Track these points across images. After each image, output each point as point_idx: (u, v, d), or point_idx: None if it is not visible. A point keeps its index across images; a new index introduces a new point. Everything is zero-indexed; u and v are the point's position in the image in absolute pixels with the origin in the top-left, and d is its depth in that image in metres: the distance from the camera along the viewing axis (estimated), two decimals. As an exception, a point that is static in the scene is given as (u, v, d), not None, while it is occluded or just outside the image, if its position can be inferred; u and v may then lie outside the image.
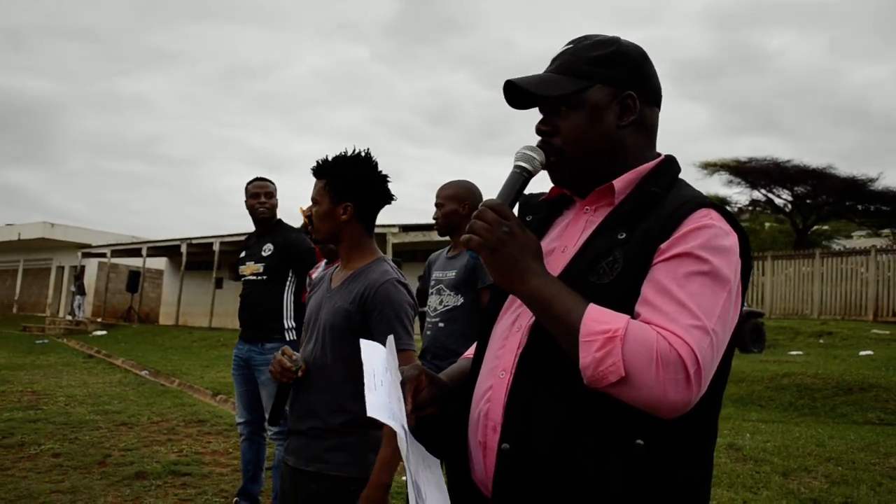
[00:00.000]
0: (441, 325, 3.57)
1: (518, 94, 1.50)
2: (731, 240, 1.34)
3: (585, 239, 1.44)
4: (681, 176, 1.52)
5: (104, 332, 23.61)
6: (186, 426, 7.59)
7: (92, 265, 32.98)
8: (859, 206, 34.82)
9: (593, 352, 1.23)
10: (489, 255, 1.35)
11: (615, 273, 1.33)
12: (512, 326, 1.47)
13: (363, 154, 2.52)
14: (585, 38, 1.52)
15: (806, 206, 34.72)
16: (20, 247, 37.31)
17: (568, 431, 1.32)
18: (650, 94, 1.51)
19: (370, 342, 1.64)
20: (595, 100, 1.45)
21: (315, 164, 2.54)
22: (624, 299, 1.30)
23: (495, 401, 1.41)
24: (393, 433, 2.18)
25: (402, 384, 1.51)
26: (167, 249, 28.24)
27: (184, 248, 25.57)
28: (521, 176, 1.46)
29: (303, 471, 2.44)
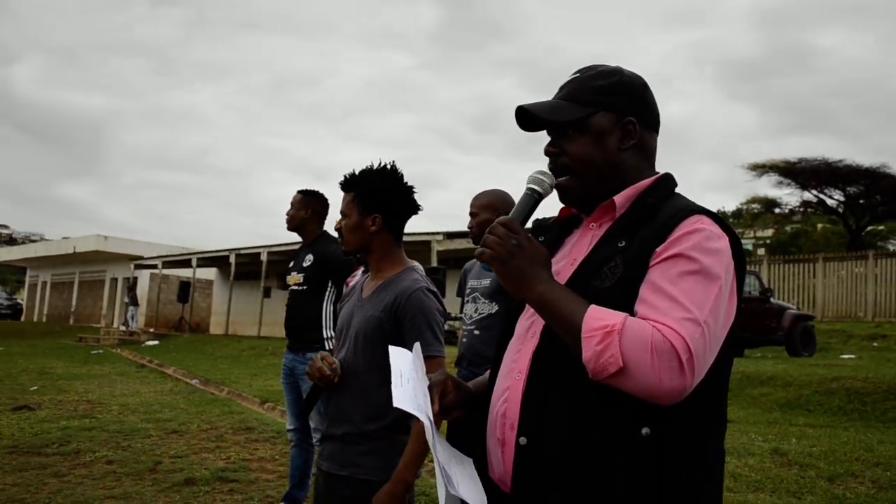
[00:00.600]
0: (476, 332, 3.62)
1: (529, 118, 1.65)
2: (722, 242, 1.46)
3: (590, 250, 1.57)
4: (681, 190, 1.64)
5: (156, 342, 24.13)
6: (234, 433, 7.76)
7: (144, 276, 33.72)
8: (916, 206, 33.93)
9: (594, 346, 1.35)
10: (500, 266, 1.49)
11: (616, 277, 1.46)
12: (527, 332, 1.59)
13: (389, 166, 2.60)
14: (591, 68, 1.67)
15: (859, 207, 33.96)
16: (76, 259, 38.36)
17: (577, 427, 1.43)
18: (649, 119, 1.65)
19: (398, 348, 1.75)
20: (599, 125, 1.60)
21: (343, 177, 2.63)
22: (625, 301, 1.42)
23: (512, 400, 1.53)
24: (419, 433, 2.28)
25: (430, 388, 1.63)
26: (216, 260, 28.76)
27: (232, 259, 26.01)
28: (533, 197, 1.60)
29: (336, 475, 2.50)
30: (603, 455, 1.41)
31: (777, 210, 39.78)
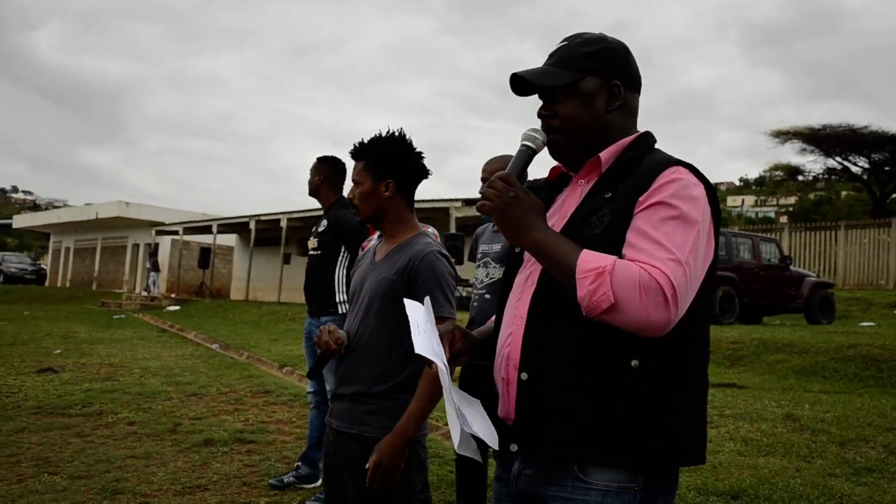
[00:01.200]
0: (487, 296, 3.66)
1: (522, 84, 1.78)
2: (699, 190, 1.61)
3: (579, 203, 1.72)
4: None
5: (177, 308, 24.42)
6: (253, 396, 7.89)
7: (165, 242, 34.01)
8: (941, 172, 33.43)
9: (588, 285, 1.50)
10: (499, 216, 1.64)
11: (604, 225, 1.61)
12: (526, 281, 1.74)
13: (398, 133, 2.65)
14: (577, 35, 1.80)
15: (884, 174, 33.52)
16: (98, 225, 38.72)
17: (572, 361, 1.59)
18: (632, 82, 1.79)
19: (412, 301, 1.87)
20: (587, 88, 1.74)
21: (353, 146, 2.68)
22: (613, 246, 1.57)
23: (514, 343, 1.69)
24: (423, 391, 2.39)
25: (441, 337, 1.77)
26: (237, 226, 28.93)
27: (252, 225, 26.16)
28: (527, 153, 1.76)
29: (345, 433, 2.56)
30: (596, 385, 1.57)
31: (800, 177, 39.38)
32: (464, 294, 14.26)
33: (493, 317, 1.97)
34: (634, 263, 1.50)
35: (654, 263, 1.49)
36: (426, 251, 2.55)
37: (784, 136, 34.11)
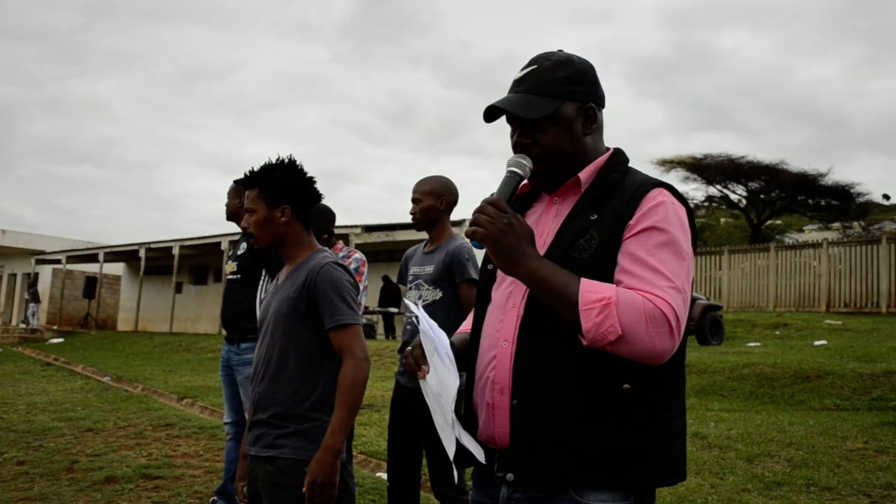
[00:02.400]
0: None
1: (494, 111, 1.75)
2: (682, 211, 1.64)
3: (560, 223, 1.69)
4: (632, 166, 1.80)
5: (61, 340, 23.21)
6: (154, 430, 7.54)
7: (46, 272, 32.33)
8: (810, 201, 35.55)
9: (593, 317, 1.49)
10: (493, 244, 1.58)
11: (593, 248, 1.60)
12: (507, 303, 1.71)
13: (288, 160, 2.70)
14: (545, 58, 1.77)
15: (760, 201, 35.36)
16: (-30, 254, 36.44)
17: (568, 384, 1.57)
18: (601, 100, 1.80)
19: (415, 306, 1.90)
20: (567, 115, 1.73)
21: (244, 175, 2.71)
22: (602, 269, 1.57)
23: (500, 367, 1.65)
24: (343, 402, 2.46)
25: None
26: (125, 254, 27.81)
27: (142, 253, 25.22)
28: (514, 179, 1.71)
29: (262, 457, 2.55)
30: (591, 410, 1.55)
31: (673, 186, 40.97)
32: (363, 321, 14.09)
33: (460, 332, 1.96)
34: (637, 293, 1.50)
35: (656, 293, 1.50)
36: (322, 263, 2.60)
37: (668, 164, 35.51)
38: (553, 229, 1.70)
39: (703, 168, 34.75)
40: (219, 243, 22.42)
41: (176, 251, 23.73)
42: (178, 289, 25.40)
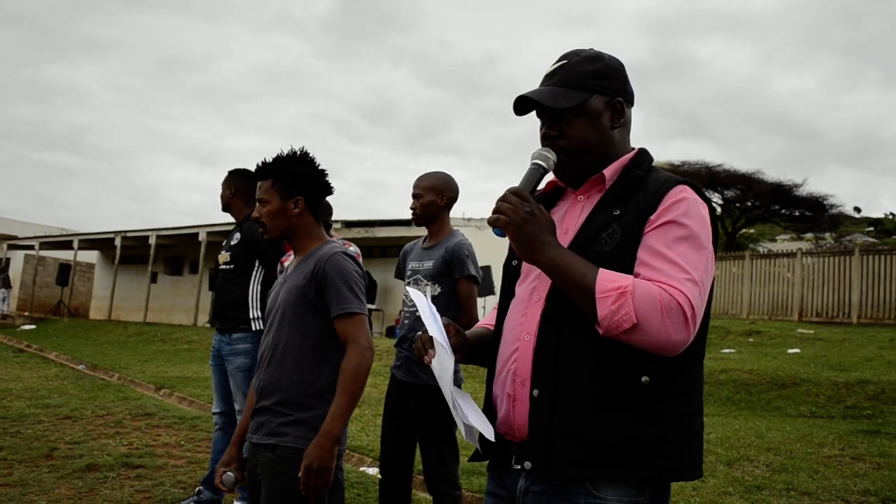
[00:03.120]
0: (419, 314, 3.62)
1: (523, 103, 1.78)
2: (705, 209, 1.66)
3: (585, 218, 1.72)
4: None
5: (33, 326, 22.90)
6: (134, 419, 7.48)
7: (17, 258, 31.88)
8: (784, 211, 36.00)
9: (609, 305, 1.51)
10: (514, 231, 1.61)
11: (615, 242, 1.63)
12: (531, 297, 1.73)
13: (300, 152, 2.73)
14: (575, 53, 1.82)
15: (735, 210, 35.76)
16: (-60, 238, 35.84)
17: (585, 379, 1.59)
18: (630, 97, 1.83)
19: (413, 289, 1.99)
20: (594, 108, 1.76)
21: (259, 165, 2.73)
22: (623, 263, 1.59)
23: (522, 360, 1.68)
24: (344, 388, 2.47)
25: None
26: (100, 242, 27.48)
27: (118, 241, 24.94)
28: (538, 171, 1.74)
29: (263, 444, 2.57)
30: (610, 403, 1.58)
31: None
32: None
33: (480, 325, 1.98)
34: (654, 283, 1.52)
35: (674, 284, 1.52)
36: (331, 252, 2.63)
37: (647, 171, 35.81)
38: (577, 224, 1.73)
39: (680, 175, 34.86)
40: (196, 234, 22.24)
41: (152, 241, 23.50)
42: (154, 279, 25.15)
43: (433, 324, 1.73)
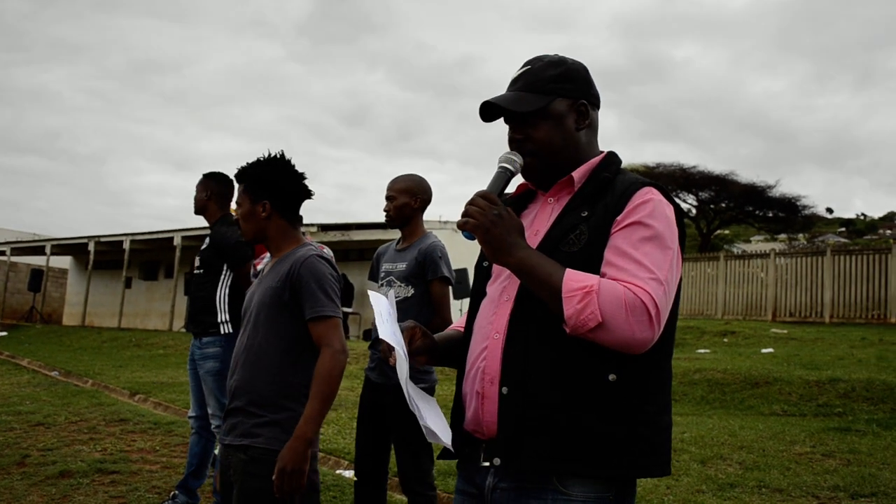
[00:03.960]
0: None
1: (490, 109, 1.82)
2: (670, 210, 1.69)
3: (553, 220, 1.75)
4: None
5: (5, 333, 22.56)
6: (108, 425, 7.41)
7: (-12, 263, 31.46)
8: (758, 212, 36.37)
9: (575, 304, 1.55)
10: (483, 234, 1.65)
11: (582, 243, 1.66)
12: (500, 297, 1.76)
13: (277, 155, 2.75)
14: (538, 59, 1.85)
15: (710, 211, 36.08)
16: None
17: (552, 376, 1.62)
18: (594, 100, 1.87)
19: (375, 293, 1.92)
20: (558, 110, 1.79)
21: (236, 170, 2.79)
22: (591, 263, 1.63)
23: (491, 358, 1.71)
24: (319, 391, 2.49)
25: (402, 331, 1.80)
26: (73, 247, 27.18)
27: (91, 247, 24.67)
28: (505, 175, 1.77)
29: (235, 445, 2.58)
30: (576, 399, 1.60)
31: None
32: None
33: (452, 328, 2.00)
34: (619, 283, 1.56)
35: (638, 283, 1.55)
36: (306, 255, 2.66)
37: (622, 173, 36.04)
38: (547, 226, 1.76)
39: (655, 177, 35.16)
40: (171, 238, 22.07)
41: (126, 245, 23.27)
42: (128, 284, 24.91)
43: (387, 327, 1.74)
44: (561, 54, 1.87)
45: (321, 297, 2.59)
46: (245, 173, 2.75)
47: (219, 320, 4.51)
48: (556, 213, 1.77)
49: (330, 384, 2.52)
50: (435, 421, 1.73)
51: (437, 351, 1.88)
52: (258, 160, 2.74)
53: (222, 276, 4.59)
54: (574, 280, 1.56)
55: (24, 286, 28.97)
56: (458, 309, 14.39)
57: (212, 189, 4.70)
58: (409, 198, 3.68)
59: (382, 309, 1.81)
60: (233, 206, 4.76)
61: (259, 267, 4.43)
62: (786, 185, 42.91)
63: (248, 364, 2.62)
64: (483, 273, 1.88)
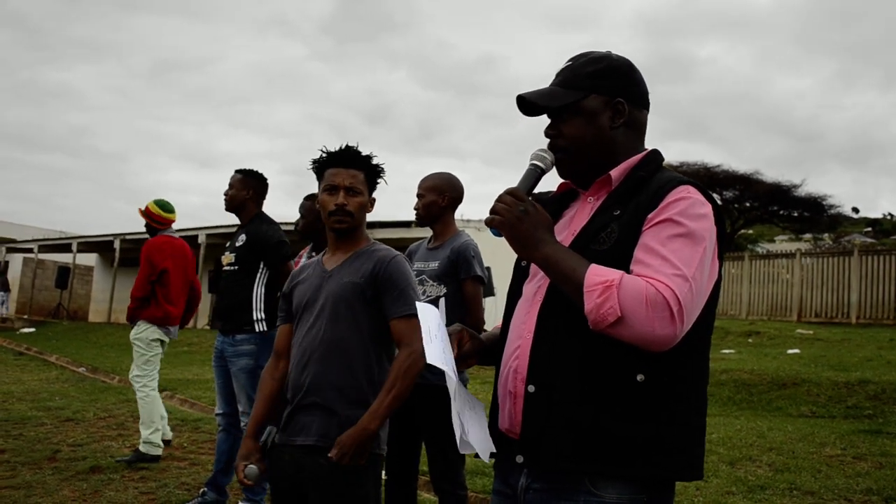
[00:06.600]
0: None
1: (529, 103, 1.80)
2: (706, 209, 1.64)
3: (588, 219, 1.74)
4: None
5: (32, 329, 22.88)
6: (136, 421, 7.40)
7: (16, 261, 31.85)
8: (783, 212, 35.98)
9: (595, 298, 1.52)
10: (509, 230, 1.65)
11: (612, 241, 1.64)
12: (534, 297, 1.75)
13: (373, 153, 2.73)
14: (583, 55, 1.82)
15: (734, 211, 35.76)
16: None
17: (579, 375, 1.60)
18: (638, 98, 1.81)
19: (425, 305, 1.85)
20: (590, 107, 1.76)
21: (353, 153, 2.68)
22: (621, 261, 1.59)
23: (523, 357, 1.70)
24: (389, 388, 2.47)
25: (450, 337, 1.80)
26: (99, 245, 27.48)
27: (117, 244, 24.95)
28: (535, 172, 1.77)
29: (312, 446, 2.49)
30: (602, 399, 1.58)
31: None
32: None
33: (496, 327, 1.99)
34: (641, 278, 1.53)
35: (660, 279, 1.51)
36: (391, 256, 2.65)
37: (646, 172, 35.83)
38: (582, 225, 1.74)
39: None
40: (196, 236, 22.24)
41: (151, 243, 23.46)
42: (153, 281, 25.13)
43: (436, 346, 1.70)
44: (609, 51, 1.84)
45: (411, 295, 2.59)
46: (367, 162, 2.69)
47: (254, 318, 4.51)
48: (593, 212, 1.75)
49: (405, 382, 2.48)
50: (477, 432, 1.71)
51: (486, 351, 1.88)
52: (365, 153, 2.70)
53: (258, 274, 4.59)
54: (596, 275, 1.54)
55: (52, 283, 29.34)
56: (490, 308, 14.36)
57: (252, 187, 4.70)
58: (436, 195, 3.67)
59: (431, 324, 1.77)
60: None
61: (300, 265, 4.43)
62: (811, 185, 42.57)
63: (324, 360, 2.52)
64: (522, 272, 1.86)
